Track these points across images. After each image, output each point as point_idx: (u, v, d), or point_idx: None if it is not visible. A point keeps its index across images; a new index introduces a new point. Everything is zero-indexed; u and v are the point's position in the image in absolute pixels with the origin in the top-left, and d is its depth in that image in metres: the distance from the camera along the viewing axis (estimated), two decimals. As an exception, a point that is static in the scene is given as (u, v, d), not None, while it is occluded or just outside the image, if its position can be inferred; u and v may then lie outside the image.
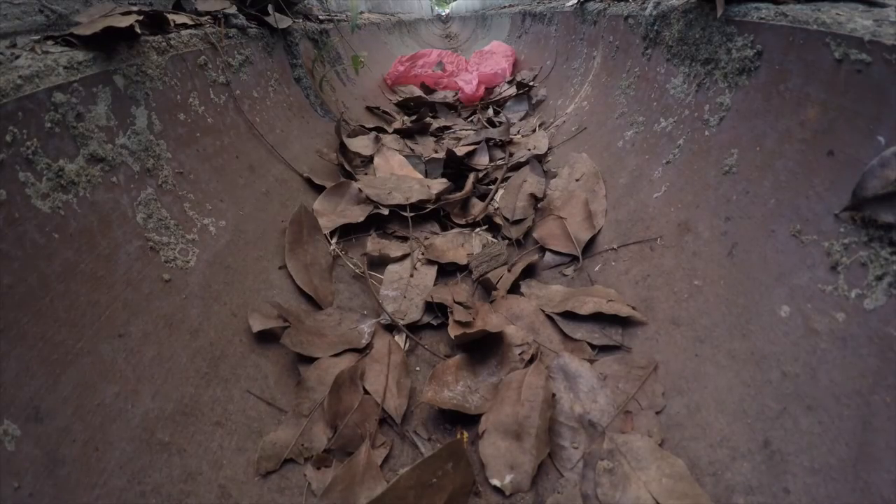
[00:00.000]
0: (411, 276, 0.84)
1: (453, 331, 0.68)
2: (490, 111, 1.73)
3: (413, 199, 1.01)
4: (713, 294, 0.61)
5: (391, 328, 0.74)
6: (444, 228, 1.02)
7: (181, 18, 0.92)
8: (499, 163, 1.24)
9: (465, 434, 0.58)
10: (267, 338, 0.66)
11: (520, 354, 0.66)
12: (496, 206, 1.04)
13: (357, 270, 0.85)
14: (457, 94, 2.08)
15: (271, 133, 1.05)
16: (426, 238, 0.96)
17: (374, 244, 0.89)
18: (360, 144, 1.29)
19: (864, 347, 0.43)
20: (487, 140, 1.33)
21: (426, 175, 1.19)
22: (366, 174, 1.18)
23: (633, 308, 0.68)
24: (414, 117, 1.71)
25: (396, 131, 1.45)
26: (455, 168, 1.24)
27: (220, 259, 0.71)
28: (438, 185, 1.08)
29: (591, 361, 0.64)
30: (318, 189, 1.05)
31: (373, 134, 1.37)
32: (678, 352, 0.60)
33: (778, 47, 0.63)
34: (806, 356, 0.47)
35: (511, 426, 0.56)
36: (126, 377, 0.50)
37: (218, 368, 0.59)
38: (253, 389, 0.59)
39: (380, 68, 2.36)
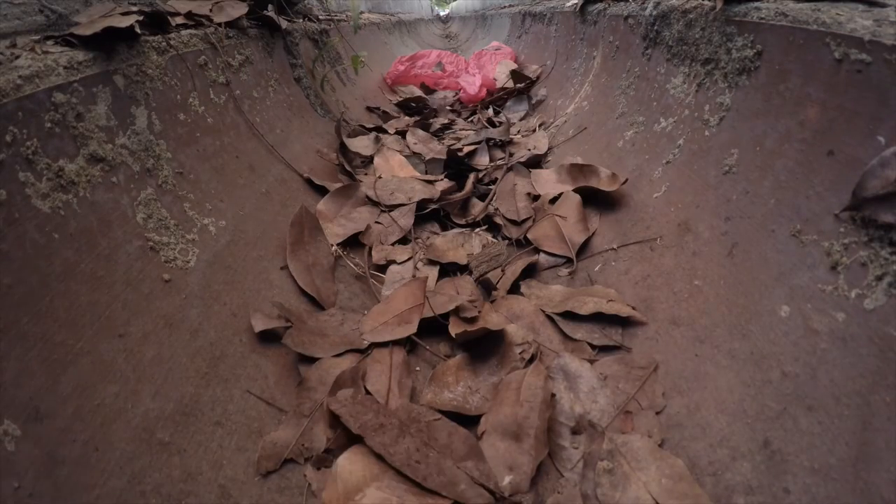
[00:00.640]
0: (413, 276, 0.84)
1: (454, 329, 0.68)
2: (490, 111, 1.73)
3: (415, 199, 1.01)
4: (713, 294, 0.61)
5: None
6: (445, 228, 1.02)
7: (181, 18, 0.92)
8: (499, 163, 1.24)
9: None
10: (267, 338, 0.66)
11: (520, 354, 0.66)
12: (495, 206, 1.04)
13: (359, 270, 0.85)
14: (457, 93, 2.08)
15: (271, 133, 1.05)
16: (427, 238, 0.96)
17: (378, 252, 0.89)
18: (361, 144, 1.29)
19: (864, 347, 0.43)
20: (487, 140, 1.33)
21: (426, 175, 1.19)
22: (366, 174, 1.18)
23: (633, 308, 0.68)
24: (416, 118, 1.71)
25: (398, 132, 1.45)
26: (455, 168, 1.24)
27: (220, 259, 0.71)
28: (443, 184, 1.08)
29: (592, 361, 0.64)
30: (318, 189, 1.05)
31: (373, 134, 1.37)
32: (678, 352, 0.60)
33: (778, 47, 0.63)
34: (806, 356, 0.47)
35: (510, 427, 0.56)
36: (126, 377, 0.50)
37: (218, 368, 0.59)
38: (253, 389, 0.59)
39: (380, 68, 2.36)
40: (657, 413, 0.56)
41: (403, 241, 0.94)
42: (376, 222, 0.95)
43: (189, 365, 0.57)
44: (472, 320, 0.71)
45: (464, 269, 0.89)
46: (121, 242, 0.57)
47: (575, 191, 0.94)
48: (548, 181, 1.04)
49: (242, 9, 1.05)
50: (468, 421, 0.60)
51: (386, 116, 1.74)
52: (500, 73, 2.04)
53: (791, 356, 0.49)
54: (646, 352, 0.63)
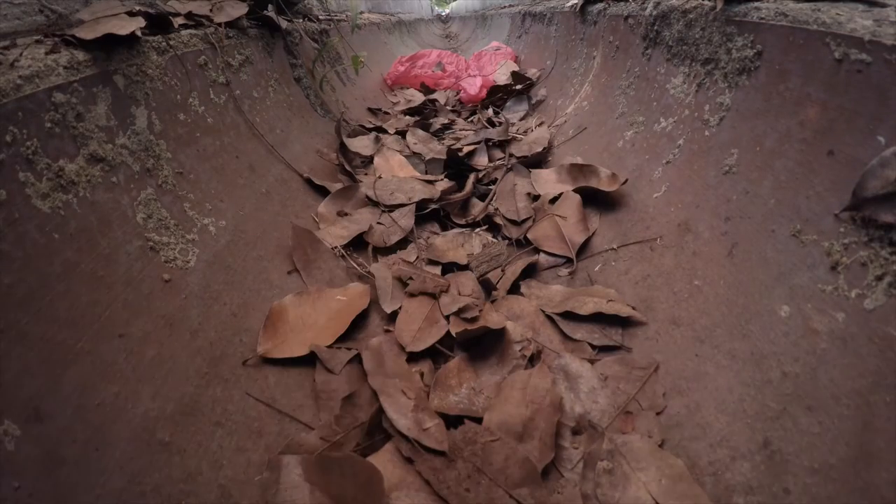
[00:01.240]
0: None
1: (455, 328, 0.68)
2: (490, 111, 1.73)
3: (415, 199, 1.01)
4: (713, 294, 0.61)
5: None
6: (445, 228, 1.02)
7: (181, 18, 0.92)
8: (498, 163, 1.24)
9: None
10: (267, 338, 0.66)
11: (520, 351, 0.66)
12: (495, 206, 1.04)
13: (362, 271, 0.85)
14: (458, 93, 2.08)
15: (271, 133, 1.05)
16: (427, 238, 0.96)
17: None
18: (361, 144, 1.29)
19: (864, 347, 0.43)
20: (487, 140, 1.33)
21: (426, 175, 1.19)
22: (366, 174, 1.18)
23: (633, 308, 0.68)
24: (416, 118, 1.71)
25: (398, 132, 1.45)
26: (455, 168, 1.24)
27: (220, 259, 0.71)
28: (443, 184, 1.08)
29: (592, 361, 0.64)
30: (319, 189, 1.05)
31: (373, 134, 1.37)
32: (678, 352, 0.60)
33: (778, 47, 0.63)
34: (806, 356, 0.47)
35: (514, 427, 0.55)
36: (126, 377, 0.50)
37: (218, 368, 0.59)
38: (253, 390, 0.59)
39: (380, 68, 2.36)
40: (658, 413, 0.56)
41: (404, 241, 0.94)
42: (378, 223, 0.95)
43: (189, 365, 0.57)
44: (473, 320, 0.71)
45: (464, 269, 0.88)
46: (121, 242, 0.57)
47: (575, 191, 0.94)
48: (548, 181, 1.04)
49: (242, 9, 1.05)
50: (477, 423, 0.59)
51: (386, 117, 1.74)
52: (501, 74, 2.04)
53: (791, 356, 0.49)
54: (646, 352, 0.63)
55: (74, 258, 0.51)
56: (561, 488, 0.51)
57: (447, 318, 0.72)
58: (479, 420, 0.58)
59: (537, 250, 0.88)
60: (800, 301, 0.50)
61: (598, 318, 0.69)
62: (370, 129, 1.47)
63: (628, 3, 1.17)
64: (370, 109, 1.83)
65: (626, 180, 0.88)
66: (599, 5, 1.40)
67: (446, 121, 1.71)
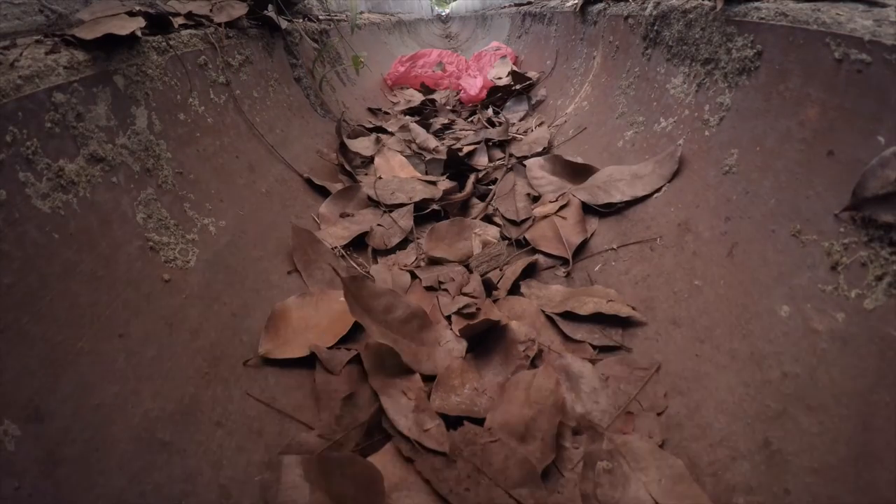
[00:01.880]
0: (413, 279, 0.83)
1: (458, 324, 0.68)
2: (490, 111, 1.73)
3: (416, 199, 1.01)
4: (713, 294, 0.61)
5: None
6: (444, 229, 1.02)
7: (181, 18, 0.92)
8: (498, 163, 1.24)
9: None
10: (267, 338, 0.66)
11: (524, 351, 0.66)
12: (495, 206, 1.04)
13: (362, 271, 0.85)
14: (458, 93, 2.08)
15: (271, 133, 1.05)
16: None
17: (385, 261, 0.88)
18: (361, 145, 1.29)
19: (864, 347, 0.43)
20: (487, 140, 1.33)
21: (426, 175, 1.19)
22: (366, 174, 1.18)
23: (633, 308, 0.68)
24: (416, 118, 1.71)
25: (401, 129, 1.45)
26: (455, 168, 1.24)
27: (221, 259, 0.71)
28: (445, 184, 1.08)
29: (593, 362, 0.64)
30: (319, 189, 1.05)
31: (373, 135, 1.37)
32: (678, 352, 0.60)
33: (778, 47, 0.63)
34: (806, 356, 0.47)
35: (517, 427, 0.55)
36: (126, 377, 0.50)
37: (218, 368, 0.59)
38: (253, 390, 0.59)
39: (380, 68, 2.36)
40: (659, 414, 0.56)
41: (405, 241, 0.94)
42: (378, 225, 0.95)
43: (189, 365, 0.57)
44: (474, 316, 0.71)
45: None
46: (121, 242, 0.57)
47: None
48: (543, 174, 1.04)
49: (242, 9, 1.05)
50: (478, 424, 0.59)
51: (387, 117, 1.74)
52: (495, 73, 2.04)
53: (791, 356, 0.49)
54: (646, 352, 0.63)
55: (74, 258, 0.51)
56: (561, 488, 0.51)
57: (448, 318, 0.72)
58: (480, 421, 0.58)
59: (532, 251, 0.88)
60: (800, 301, 0.50)
61: (599, 319, 0.69)
62: (370, 130, 1.47)
63: (628, 3, 1.17)
64: (370, 109, 1.83)
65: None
66: (599, 5, 1.40)
67: (446, 121, 1.71)
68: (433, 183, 1.09)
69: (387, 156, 1.24)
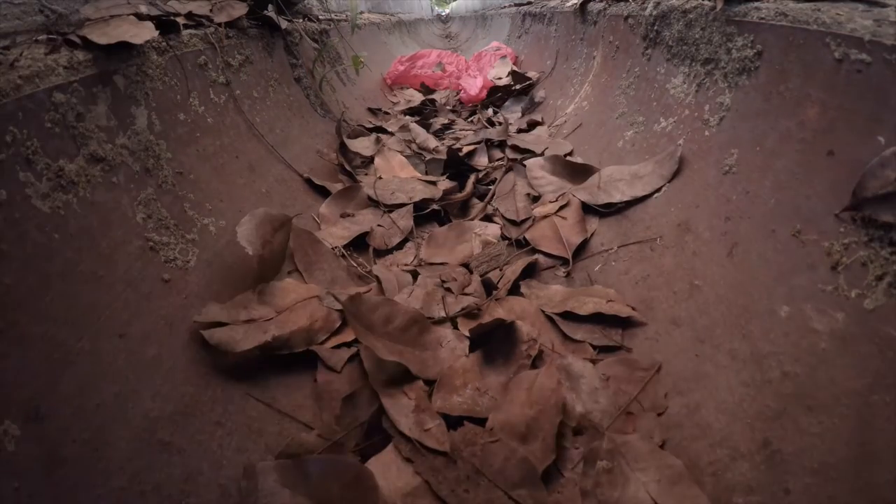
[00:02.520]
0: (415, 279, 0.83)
1: (464, 327, 0.68)
2: (490, 111, 1.73)
3: (416, 199, 1.01)
4: (713, 294, 0.61)
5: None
6: (445, 229, 1.02)
7: (181, 18, 0.92)
8: (497, 163, 1.24)
9: None
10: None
11: (526, 351, 0.66)
12: (495, 206, 1.04)
13: (362, 271, 0.85)
14: (458, 93, 2.08)
15: (271, 133, 1.05)
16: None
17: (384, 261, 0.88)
18: (361, 145, 1.29)
19: (864, 347, 0.43)
20: (486, 140, 1.33)
21: (426, 175, 1.19)
22: (366, 174, 1.18)
23: (633, 308, 0.68)
24: (416, 118, 1.71)
25: (401, 129, 1.45)
26: (456, 168, 1.24)
27: (221, 259, 0.71)
28: (445, 184, 1.08)
29: (594, 361, 0.64)
30: (319, 189, 1.05)
31: (373, 135, 1.37)
32: (678, 352, 0.60)
33: (778, 47, 0.63)
34: (806, 356, 0.47)
35: (518, 427, 0.55)
36: (126, 377, 0.50)
37: (218, 368, 0.59)
38: (253, 390, 0.59)
39: (380, 68, 2.36)
40: (659, 414, 0.56)
41: (405, 241, 0.94)
42: (378, 225, 0.95)
43: (189, 365, 0.57)
44: (477, 316, 0.71)
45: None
46: (121, 242, 0.57)
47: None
48: (543, 174, 1.04)
49: (242, 9, 1.05)
50: (479, 424, 0.59)
51: (387, 117, 1.74)
52: (494, 73, 2.04)
53: (791, 356, 0.49)
54: (646, 352, 0.63)
55: (74, 258, 0.51)
56: (561, 488, 0.51)
57: (451, 318, 0.72)
58: (482, 421, 0.57)
59: (532, 250, 0.88)
60: (800, 301, 0.50)
61: (599, 319, 0.69)
62: (370, 130, 1.47)
63: (628, 3, 1.17)
64: (370, 109, 1.83)
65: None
66: (599, 5, 1.40)
67: (446, 121, 1.71)
68: (433, 183, 1.09)
69: (387, 156, 1.24)
